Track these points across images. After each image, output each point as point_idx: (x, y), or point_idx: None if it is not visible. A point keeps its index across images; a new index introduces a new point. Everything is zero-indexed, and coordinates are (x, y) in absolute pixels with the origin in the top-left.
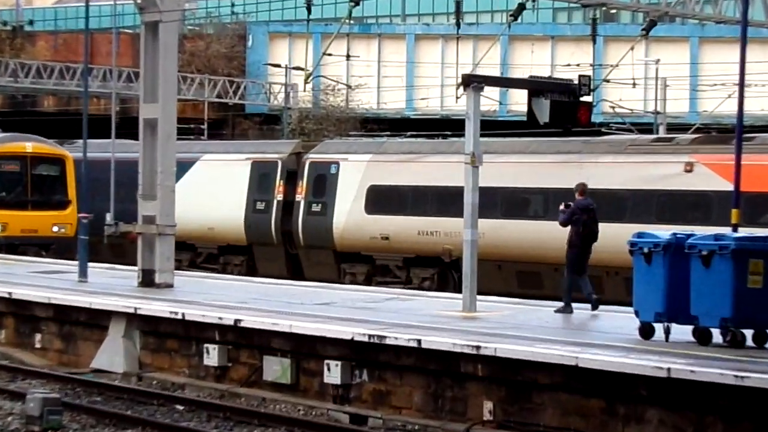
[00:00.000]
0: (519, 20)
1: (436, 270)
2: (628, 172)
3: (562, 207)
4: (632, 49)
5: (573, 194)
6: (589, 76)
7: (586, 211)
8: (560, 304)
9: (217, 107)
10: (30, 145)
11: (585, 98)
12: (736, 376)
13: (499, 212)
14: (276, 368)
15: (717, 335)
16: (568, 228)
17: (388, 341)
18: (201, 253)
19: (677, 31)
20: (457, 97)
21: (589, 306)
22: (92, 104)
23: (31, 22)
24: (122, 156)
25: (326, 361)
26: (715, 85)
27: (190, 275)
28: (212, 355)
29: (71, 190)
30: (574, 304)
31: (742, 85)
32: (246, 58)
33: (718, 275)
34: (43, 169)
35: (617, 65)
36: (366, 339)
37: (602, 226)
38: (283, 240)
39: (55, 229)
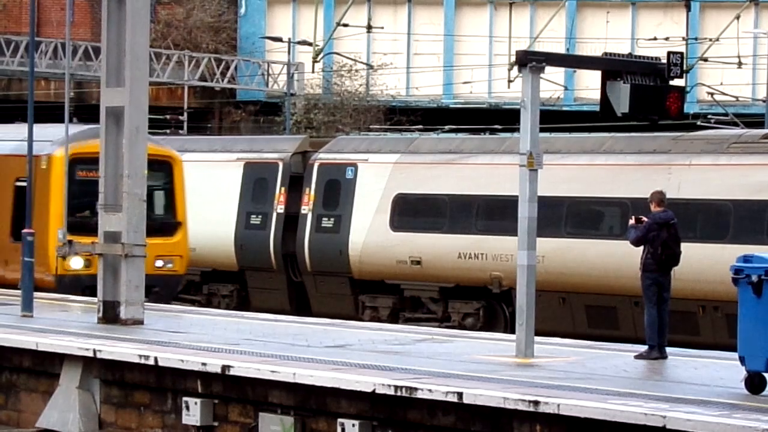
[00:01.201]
0: None
1: (482, 303)
2: (732, 177)
3: (632, 221)
4: (738, 18)
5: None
6: (681, 54)
7: (665, 226)
8: (642, 347)
9: (201, 93)
10: None
11: (676, 82)
12: None
13: (563, 229)
14: (275, 428)
15: None
16: (641, 248)
17: (419, 394)
18: None
19: None
20: (510, 81)
21: (683, 351)
22: (39, 88)
23: None
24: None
25: (340, 420)
26: None
27: (165, 309)
28: (193, 412)
29: (181, 206)
30: (668, 349)
31: None
32: (238, 30)
33: None
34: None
35: (718, 39)
36: (391, 392)
37: (698, 248)
38: (285, 264)
39: (159, 264)
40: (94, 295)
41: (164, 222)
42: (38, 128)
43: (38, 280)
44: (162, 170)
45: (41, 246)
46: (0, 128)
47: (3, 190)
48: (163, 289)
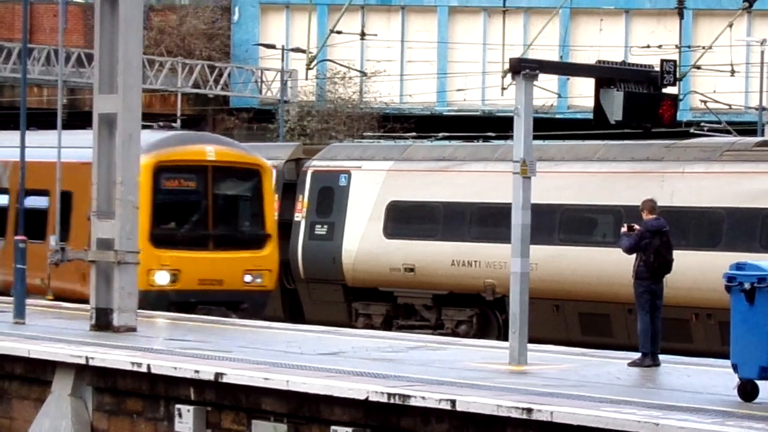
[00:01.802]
0: None
1: (475, 311)
2: (725, 185)
3: (624, 229)
4: (730, 26)
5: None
6: (674, 61)
7: (657, 234)
8: (636, 355)
9: (194, 100)
10: (212, 150)
11: (669, 89)
12: None
13: (556, 237)
14: None
15: None
16: (634, 256)
17: (413, 402)
18: None
19: None
20: (504, 88)
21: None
22: (32, 94)
23: None
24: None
25: (333, 428)
26: None
27: (158, 316)
28: (186, 419)
29: (270, 217)
30: (661, 356)
31: None
32: (231, 37)
33: None
34: (230, 187)
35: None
36: (385, 399)
37: (691, 255)
38: (279, 272)
39: (248, 279)
40: (181, 311)
41: (253, 234)
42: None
43: (73, 292)
44: (250, 179)
45: None
46: (74, 135)
47: (81, 201)
48: (251, 306)
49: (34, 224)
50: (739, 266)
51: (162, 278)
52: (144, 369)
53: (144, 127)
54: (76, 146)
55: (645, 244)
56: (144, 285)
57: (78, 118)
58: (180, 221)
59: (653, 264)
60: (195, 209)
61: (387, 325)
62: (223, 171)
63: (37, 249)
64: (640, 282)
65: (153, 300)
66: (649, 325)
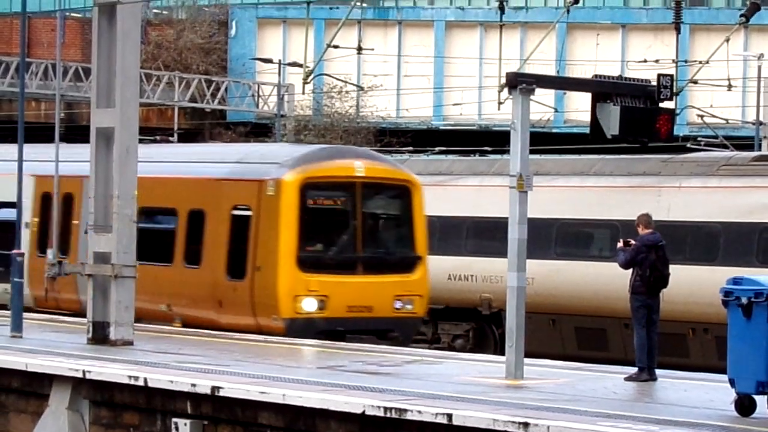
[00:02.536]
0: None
1: (471, 325)
2: (722, 200)
3: (620, 244)
4: (727, 41)
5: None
6: (671, 76)
7: (653, 248)
8: (632, 369)
9: (191, 114)
10: (361, 165)
11: (666, 104)
12: None
13: (553, 251)
14: None
15: None
16: (630, 271)
17: (409, 416)
18: None
19: None
20: (500, 103)
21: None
22: (30, 109)
23: None
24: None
25: None
26: None
27: (155, 329)
28: None
29: (421, 238)
30: (657, 371)
31: None
32: (228, 51)
33: None
34: (379, 205)
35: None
36: (381, 413)
37: (688, 270)
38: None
39: (398, 305)
40: (330, 339)
41: (403, 257)
42: (261, 147)
43: (263, 326)
44: (399, 196)
45: (269, 286)
46: (193, 147)
47: (215, 220)
48: (401, 334)
49: (160, 245)
50: (736, 281)
51: (309, 305)
52: (141, 382)
53: (141, 141)
54: (205, 161)
55: (641, 258)
56: (290, 312)
57: (75, 132)
58: (327, 243)
59: (649, 278)
60: (343, 230)
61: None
62: (372, 188)
63: (164, 273)
64: (636, 296)
65: (300, 328)
66: (645, 339)
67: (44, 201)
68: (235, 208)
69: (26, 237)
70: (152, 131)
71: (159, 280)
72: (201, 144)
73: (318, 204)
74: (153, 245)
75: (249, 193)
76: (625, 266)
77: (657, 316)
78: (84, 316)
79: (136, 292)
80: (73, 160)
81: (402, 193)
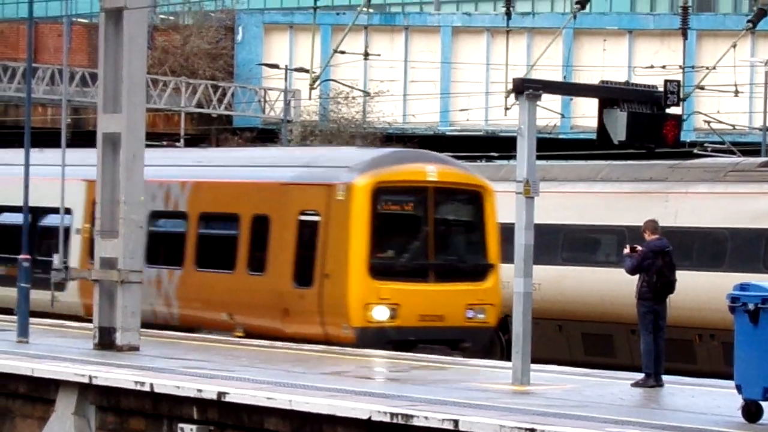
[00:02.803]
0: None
1: None
2: (729, 205)
3: (627, 250)
4: (734, 46)
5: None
6: (677, 82)
7: (660, 254)
8: (639, 375)
9: (198, 119)
10: (433, 169)
11: (673, 110)
12: None
13: (560, 257)
14: None
15: None
16: (637, 277)
17: (415, 422)
18: None
19: None
20: (507, 108)
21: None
22: (36, 114)
23: None
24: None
25: None
26: None
27: (161, 335)
28: None
29: (493, 245)
30: (664, 377)
31: None
32: (234, 57)
33: None
34: (452, 211)
35: (714, 67)
36: (387, 419)
37: (695, 276)
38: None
39: (470, 314)
40: (399, 349)
41: (475, 264)
42: (330, 150)
43: (332, 335)
44: (472, 202)
45: (339, 294)
46: (253, 151)
47: (281, 225)
48: (473, 344)
49: (220, 252)
50: (743, 287)
51: (381, 314)
52: (147, 388)
53: (148, 146)
54: (268, 164)
55: (647, 264)
56: (360, 321)
57: (82, 138)
58: (398, 250)
59: (656, 284)
60: (415, 236)
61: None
62: (444, 193)
63: (225, 280)
64: (643, 302)
65: (371, 338)
66: (652, 345)
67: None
68: (303, 214)
69: (77, 243)
70: (159, 136)
71: (219, 287)
72: (265, 147)
73: (389, 209)
74: (213, 252)
75: (317, 198)
76: (631, 272)
77: (664, 322)
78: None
79: (195, 300)
80: None
81: (474, 198)
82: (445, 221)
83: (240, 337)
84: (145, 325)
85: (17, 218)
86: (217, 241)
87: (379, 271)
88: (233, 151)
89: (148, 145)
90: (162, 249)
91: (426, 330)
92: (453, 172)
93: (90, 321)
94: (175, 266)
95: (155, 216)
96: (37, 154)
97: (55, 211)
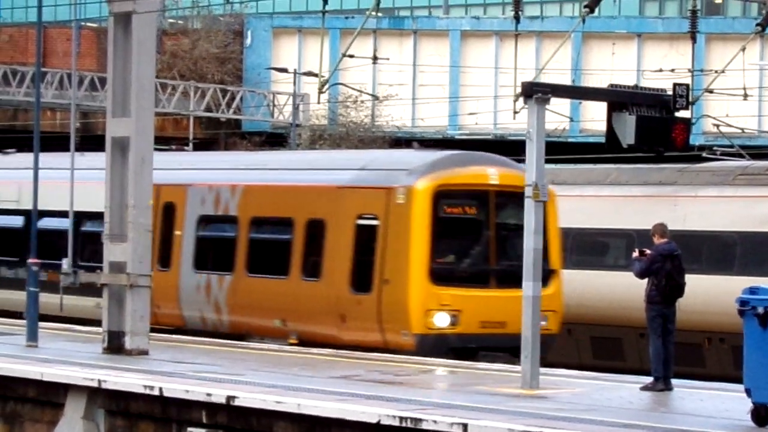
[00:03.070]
0: (596, 13)
1: None
2: (738, 209)
3: (636, 254)
4: (743, 50)
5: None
6: (686, 85)
7: (668, 258)
8: (648, 379)
9: (206, 123)
10: (495, 172)
11: (681, 113)
12: None
13: (568, 260)
14: None
15: None
16: (646, 281)
17: (425, 425)
18: None
19: None
20: (516, 112)
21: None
22: (45, 118)
23: None
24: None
25: None
26: None
27: (170, 338)
28: None
29: (555, 250)
30: (673, 380)
31: None
32: (243, 61)
33: None
34: (513, 215)
35: (723, 71)
36: (396, 422)
37: (704, 279)
38: None
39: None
40: (460, 358)
41: None
42: (388, 153)
43: (391, 342)
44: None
45: (398, 300)
46: (306, 155)
47: (337, 230)
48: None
49: (273, 257)
50: (752, 290)
51: (442, 320)
52: (156, 392)
53: (156, 149)
54: (324, 167)
55: (656, 268)
56: (421, 328)
57: (91, 142)
58: (460, 254)
59: (665, 288)
60: (476, 241)
61: None
62: (506, 197)
63: (278, 286)
64: (652, 306)
65: (431, 345)
66: (661, 349)
67: (159, 211)
68: (360, 217)
69: None
70: (167, 140)
71: (272, 293)
72: (319, 151)
73: (450, 213)
74: (265, 257)
75: (376, 201)
76: (640, 276)
77: (673, 325)
78: (187, 332)
79: (246, 306)
80: (175, 167)
81: None
82: (506, 225)
83: (294, 344)
84: (194, 332)
85: (59, 223)
86: (270, 246)
87: (440, 276)
88: (285, 154)
89: (156, 149)
90: (211, 254)
91: (487, 337)
92: (514, 175)
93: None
94: (225, 272)
95: (204, 221)
96: (82, 158)
97: (97, 216)
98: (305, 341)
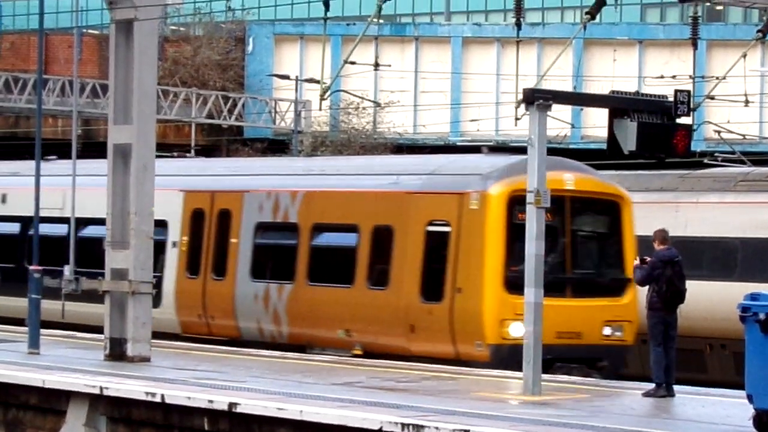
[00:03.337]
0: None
1: None
2: (740, 215)
3: (637, 262)
4: (744, 56)
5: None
6: (688, 92)
7: (669, 264)
8: (650, 385)
9: (208, 130)
10: (571, 178)
11: (683, 120)
12: None
13: None
14: None
15: None
16: (647, 288)
17: None
18: None
19: None
20: (517, 118)
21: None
22: (47, 125)
23: None
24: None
25: None
26: None
27: (172, 345)
28: None
29: (630, 258)
30: (675, 386)
31: None
32: (245, 68)
33: None
34: (589, 222)
35: (725, 77)
36: (399, 429)
37: (706, 286)
38: None
39: (607, 332)
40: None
41: (613, 279)
42: (459, 158)
43: (464, 354)
44: (608, 213)
45: (472, 309)
46: (371, 159)
47: (406, 237)
48: (610, 363)
49: (337, 265)
50: (753, 297)
51: (518, 330)
52: (158, 399)
53: (158, 157)
54: (390, 173)
55: (657, 274)
56: (495, 338)
57: (93, 149)
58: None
59: (666, 294)
60: (551, 248)
61: None
62: (581, 203)
63: (342, 295)
64: (653, 313)
65: (506, 355)
66: (662, 355)
67: (195, 218)
68: (431, 224)
69: (174, 257)
70: (169, 147)
71: (335, 303)
72: (387, 156)
73: (525, 220)
74: (328, 265)
75: (448, 207)
76: (641, 283)
77: (675, 332)
78: (242, 344)
79: (307, 316)
80: (229, 174)
81: (611, 208)
82: (581, 232)
83: (358, 355)
84: (251, 344)
85: (98, 231)
86: (333, 254)
87: (515, 284)
88: (347, 159)
89: (158, 156)
90: (270, 262)
91: (563, 348)
92: (590, 181)
93: (190, 340)
94: (284, 281)
95: (261, 228)
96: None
97: (155, 224)
98: (371, 353)
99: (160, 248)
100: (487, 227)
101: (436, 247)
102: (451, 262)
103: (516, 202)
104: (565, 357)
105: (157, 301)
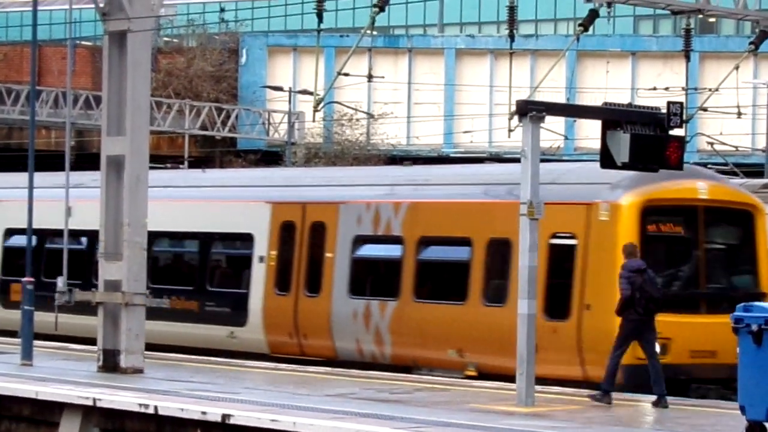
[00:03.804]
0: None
1: None
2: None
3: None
4: (737, 68)
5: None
6: (680, 103)
7: (638, 272)
8: (647, 396)
9: (202, 141)
10: (704, 187)
11: (676, 131)
12: None
13: None
14: None
15: None
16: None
17: None
18: None
19: None
20: (511, 130)
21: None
22: (40, 136)
23: None
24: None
25: None
26: None
27: (166, 357)
28: None
29: (765, 271)
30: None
31: None
32: (238, 79)
33: None
34: (722, 233)
35: (717, 89)
36: None
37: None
38: None
39: None
40: (670, 392)
41: (747, 293)
42: (582, 166)
43: (594, 376)
44: (742, 223)
45: (603, 327)
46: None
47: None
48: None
49: (447, 280)
50: (746, 308)
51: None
52: (151, 410)
53: (152, 168)
54: (505, 182)
55: (633, 282)
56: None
57: (86, 160)
58: (668, 277)
59: (640, 300)
60: (685, 262)
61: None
62: (715, 213)
63: (453, 312)
64: (627, 320)
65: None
66: (617, 363)
67: (285, 231)
68: (554, 236)
69: (261, 273)
70: (163, 159)
71: (445, 321)
72: (497, 164)
73: (658, 231)
74: (436, 280)
75: (573, 219)
76: (629, 297)
77: (653, 336)
78: (338, 364)
79: (413, 335)
80: (322, 184)
81: (745, 219)
82: (715, 245)
83: (471, 377)
84: (347, 364)
85: (184, 246)
86: (442, 268)
87: None
88: (449, 168)
89: (152, 167)
90: (370, 278)
91: (698, 368)
92: (724, 190)
93: (280, 360)
94: (387, 297)
95: (360, 241)
96: (203, 175)
97: (239, 237)
98: (486, 374)
99: (245, 263)
100: (619, 240)
101: (561, 261)
102: (578, 277)
103: (649, 213)
104: (701, 378)
105: (243, 319)
